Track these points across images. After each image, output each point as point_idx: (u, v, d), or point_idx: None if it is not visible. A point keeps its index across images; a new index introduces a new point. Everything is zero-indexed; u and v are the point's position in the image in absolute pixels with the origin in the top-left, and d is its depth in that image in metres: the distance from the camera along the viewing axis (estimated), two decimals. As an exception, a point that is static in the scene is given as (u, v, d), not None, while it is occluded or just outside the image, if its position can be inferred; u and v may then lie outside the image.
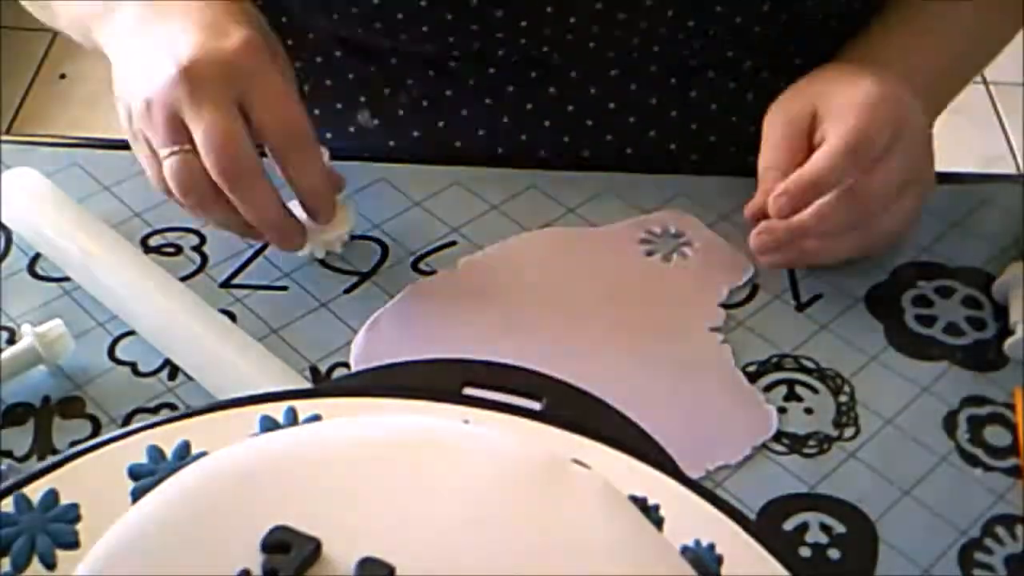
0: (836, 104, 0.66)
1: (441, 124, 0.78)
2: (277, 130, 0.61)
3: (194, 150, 0.60)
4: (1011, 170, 2.04)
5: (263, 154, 0.62)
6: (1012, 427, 0.62)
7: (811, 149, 0.66)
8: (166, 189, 0.63)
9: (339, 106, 0.79)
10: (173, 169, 0.61)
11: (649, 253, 0.69)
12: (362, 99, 0.77)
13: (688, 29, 0.73)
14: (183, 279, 0.67)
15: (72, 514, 0.45)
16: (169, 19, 0.64)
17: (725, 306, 0.67)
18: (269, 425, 0.47)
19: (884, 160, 0.65)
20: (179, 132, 0.61)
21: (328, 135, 0.79)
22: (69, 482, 0.46)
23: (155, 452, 0.46)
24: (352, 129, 0.78)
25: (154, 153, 0.62)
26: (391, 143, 0.79)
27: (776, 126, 0.68)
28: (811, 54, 0.76)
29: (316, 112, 0.78)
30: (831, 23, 0.77)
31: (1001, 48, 0.81)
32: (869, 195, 0.65)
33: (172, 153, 0.61)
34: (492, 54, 0.74)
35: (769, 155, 0.68)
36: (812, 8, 0.75)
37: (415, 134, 0.79)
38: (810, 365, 0.64)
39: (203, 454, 0.45)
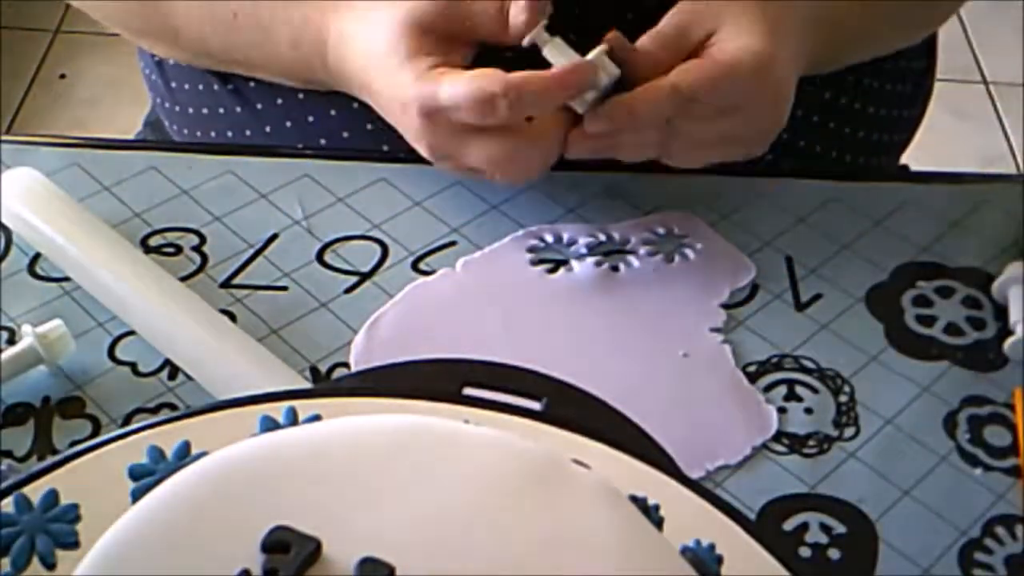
0: (720, 49, 0.66)
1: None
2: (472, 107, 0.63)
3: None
4: (1011, 170, 2.04)
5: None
6: (1012, 427, 0.62)
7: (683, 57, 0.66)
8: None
9: (332, 112, 0.79)
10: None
11: (651, 253, 0.69)
12: (355, 105, 0.77)
13: None
14: (183, 279, 0.67)
15: (72, 514, 0.45)
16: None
17: (725, 306, 0.67)
18: (269, 425, 0.47)
19: (717, 121, 0.66)
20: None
21: (323, 140, 0.79)
22: (69, 482, 0.46)
23: (155, 452, 0.47)
24: (346, 135, 0.78)
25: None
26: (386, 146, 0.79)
27: (670, 26, 0.67)
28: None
29: (311, 119, 0.78)
30: None
31: (927, 25, 0.80)
32: (682, 139, 0.66)
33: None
34: (489, 56, 0.74)
35: (649, 42, 0.67)
36: None
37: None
38: (810, 365, 0.64)
39: (203, 454, 0.45)
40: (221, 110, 0.82)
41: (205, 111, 0.83)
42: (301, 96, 0.78)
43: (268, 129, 0.80)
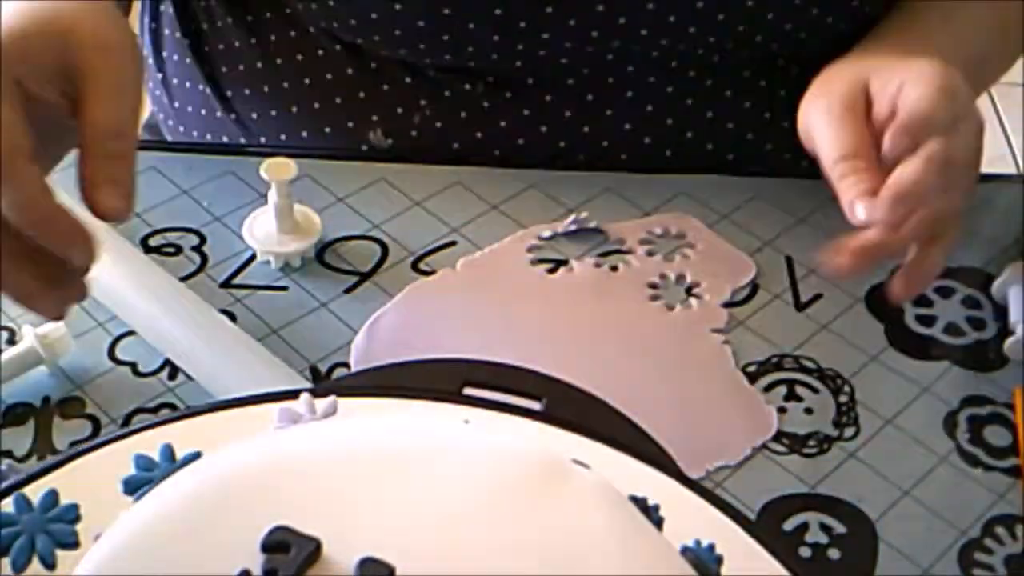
0: (897, 74, 0.60)
1: (439, 125, 0.78)
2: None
3: None
4: (1011, 170, 2.04)
5: None
6: (1012, 427, 0.62)
7: (871, 130, 0.60)
8: None
9: (327, 130, 0.79)
10: None
11: (651, 253, 0.70)
12: (374, 118, 0.77)
13: (687, 37, 0.73)
14: (183, 279, 0.67)
15: (72, 514, 0.45)
16: None
17: (725, 306, 0.67)
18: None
19: (954, 128, 0.59)
20: None
21: (326, 134, 0.79)
22: (69, 482, 0.46)
23: (155, 452, 0.46)
24: (345, 135, 0.78)
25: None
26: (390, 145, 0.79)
27: (824, 112, 0.61)
28: (807, 61, 0.76)
29: (317, 120, 0.78)
30: (828, 32, 0.77)
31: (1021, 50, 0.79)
32: (951, 162, 0.58)
33: None
34: (487, 62, 0.74)
35: (834, 144, 0.59)
36: (807, 18, 0.74)
37: (412, 134, 0.79)
38: (810, 365, 0.64)
39: (202, 454, 0.45)
40: (225, 137, 0.82)
41: (206, 130, 0.83)
42: (295, 110, 0.78)
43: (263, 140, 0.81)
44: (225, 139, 0.83)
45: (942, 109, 0.58)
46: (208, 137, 0.84)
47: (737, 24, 0.73)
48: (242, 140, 0.82)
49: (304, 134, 0.79)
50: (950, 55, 0.64)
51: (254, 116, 0.80)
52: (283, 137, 0.80)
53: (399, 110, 0.77)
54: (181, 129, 0.86)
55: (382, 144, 0.78)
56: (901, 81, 0.59)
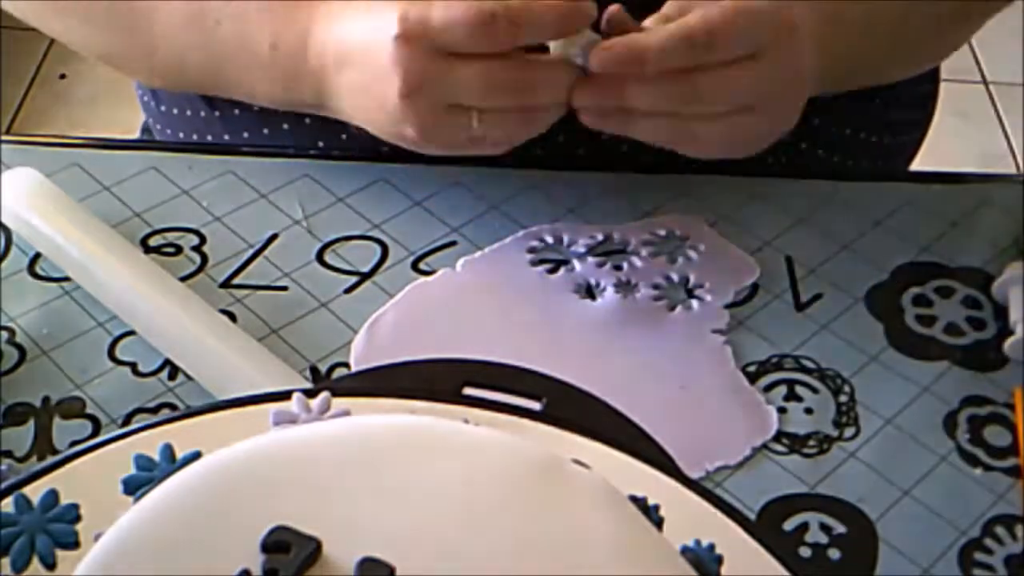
0: None
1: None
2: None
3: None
4: (1011, 170, 2.04)
5: None
6: (1012, 427, 0.62)
7: None
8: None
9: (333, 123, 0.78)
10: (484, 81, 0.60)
11: (653, 255, 0.69)
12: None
13: None
14: (183, 279, 0.67)
15: (72, 514, 0.45)
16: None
17: (726, 306, 0.67)
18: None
19: (732, 69, 0.62)
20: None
21: (320, 143, 0.78)
22: (69, 482, 0.46)
23: (155, 452, 0.46)
24: (344, 136, 0.78)
25: (466, 111, 0.62)
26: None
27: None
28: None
29: (307, 120, 0.78)
30: None
31: (947, 48, 0.78)
32: (698, 96, 0.62)
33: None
34: None
35: (652, 19, 0.64)
36: None
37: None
38: (810, 365, 0.64)
39: (202, 454, 0.45)
40: (209, 137, 0.82)
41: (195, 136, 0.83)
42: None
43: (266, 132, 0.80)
44: (209, 138, 0.82)
45: (673, 52, 0.60)
46: (194, 138, 0.83)
47: None
48: (226, 138, 0.81)
49: (285, 126, 0.78)
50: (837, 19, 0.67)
51: (236, 112, 0.80)
52: (265, 132, 0.79)
53: None
54: (168, 132, 0.86)
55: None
56: None
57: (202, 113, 0.82)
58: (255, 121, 0.79)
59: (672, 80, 0.62)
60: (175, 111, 0.84)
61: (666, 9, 0.64)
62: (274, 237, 0.70)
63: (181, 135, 0.84)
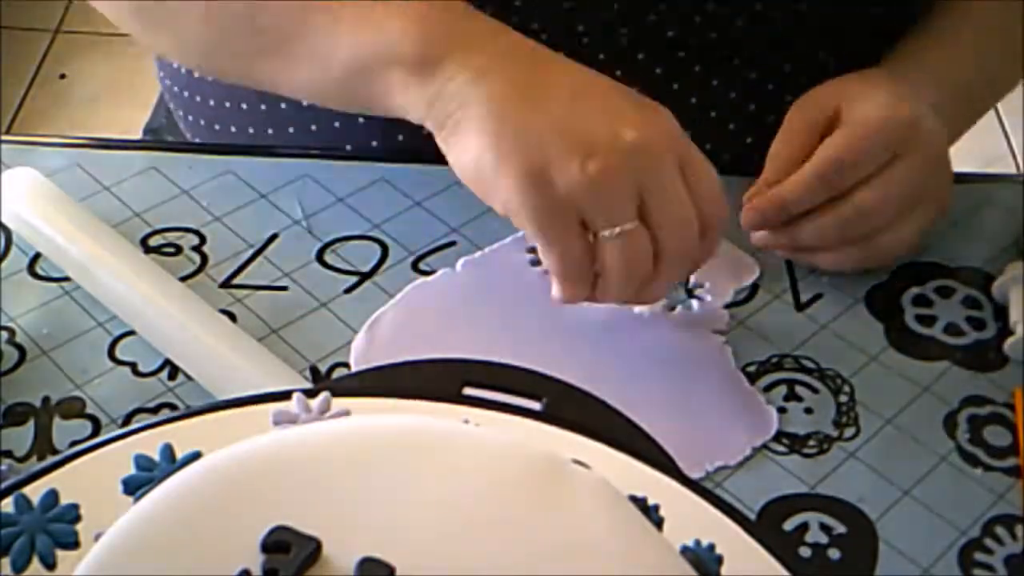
0: (849, 114, 0.66)
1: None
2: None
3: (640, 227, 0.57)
4: (1011, 170, 2.04)
5: None
6: (1012, 427, 0.62)
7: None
8: (578, 270, 0.59)
9: (336, 124, 0.78)
10: (624, 248, 0.57)
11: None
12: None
13: (693, 27, 0.73)
14: (183, 279, 0.67)
15: (72, 514, 0.45)
16: (564, 86, 0.60)
17: (725, 306, 0.67)
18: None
19: (882, 177, 0.64)
20: (633, 207, 0.57)
21: (316, 128, 0.78)
22: (69, 482, 0.46)
23: (155, 452, 0.46)
24: (349, 147, 0.78)
25: (584, 229, 0.58)
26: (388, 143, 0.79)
27: (794, 119, 0.68)
28: (812, 63, 0.76)
29: (312, 128, 0.78)
30: (831, 32, 0.77)
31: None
32: (864, 212, 0.65)
33: (624, 231, 0.57)
34: None
35: (779, 144, 0.67)
36: (809, 16, 0.74)
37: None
38: (810, 365, 0.64)
39: (202, 454, 0.45)
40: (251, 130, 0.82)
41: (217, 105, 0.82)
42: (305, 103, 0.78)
43: (270, 131, 0.80)
44: (233, 129, 0.82)
45: (812, 190, 0.65)
46: (232, 130, 0.83)
47: (737, 21, 0.73)
48: (251, 131, 0.81)
49: (313, 128, 0.78)
50: (946, 80, 0.70)
51: (263, 108, 0.80)
52: (313, 128, 0.79)
53: None
54: (202, 123, 0.85)
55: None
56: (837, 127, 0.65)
57: (244, 105, 0.81)
58: (301, 115, 0.79)
59: (831, 209, 0.65)
60: (212, 102, 0.83)
61: (789, 122, 0.69)
62: (274, 237, 0.70)
63: (217, 127, 0.84)
